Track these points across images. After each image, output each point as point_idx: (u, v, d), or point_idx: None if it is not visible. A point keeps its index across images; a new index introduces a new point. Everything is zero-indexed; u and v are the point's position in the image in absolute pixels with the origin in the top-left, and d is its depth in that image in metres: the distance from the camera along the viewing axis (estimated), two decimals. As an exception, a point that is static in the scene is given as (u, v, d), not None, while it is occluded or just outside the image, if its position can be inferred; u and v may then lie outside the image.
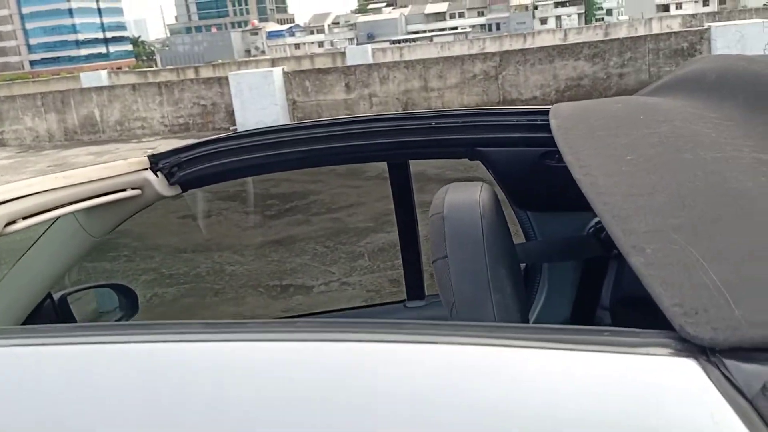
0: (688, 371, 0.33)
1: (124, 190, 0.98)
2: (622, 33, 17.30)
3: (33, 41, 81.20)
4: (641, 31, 17.55)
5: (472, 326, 0.42)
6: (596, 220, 1.01)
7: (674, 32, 8.19)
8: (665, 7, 62.96)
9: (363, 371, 0.38)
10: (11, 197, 0.79)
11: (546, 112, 0.89)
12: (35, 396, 0.40)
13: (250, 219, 4.57)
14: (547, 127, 0.86)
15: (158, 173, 1.04)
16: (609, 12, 77.73)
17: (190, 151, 1.05)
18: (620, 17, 63.86)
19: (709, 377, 0.33)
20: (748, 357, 0.33)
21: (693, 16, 19.17)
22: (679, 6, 61.60)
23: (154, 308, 3.21)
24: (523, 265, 1.14)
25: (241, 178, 1.13)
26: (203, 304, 3.22)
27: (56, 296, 1.13)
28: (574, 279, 1.12)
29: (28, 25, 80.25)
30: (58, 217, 0.91)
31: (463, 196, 0.70)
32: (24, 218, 0.79)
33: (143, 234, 4.13)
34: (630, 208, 0.47)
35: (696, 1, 61.83)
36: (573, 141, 0.68)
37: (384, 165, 1.19)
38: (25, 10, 79.42)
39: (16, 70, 69.59)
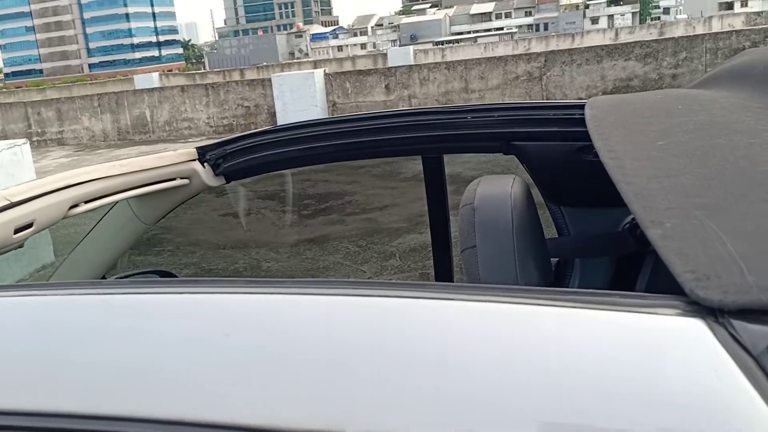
0: (695, 330, 0.34)
1: (173, 179, 1.04)
2: (679, 32, 16.54)
3: (92, 45, 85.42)
4: (699, 30, 16.67)
5: (494, 288, 0.44)
6: (632, 215, 0.97)
7: (735, 31, 7.76)
8: (729, 5, 58.59)
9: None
10: (74, 182, 0.85)
11: (582, 106, 0.89)
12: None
13: (287, 218, 4.70)
14: (584, 121, 0.86)
15: (205, 164, 1.09)
16: (666, 10, 73.74)
17: (234, 144, 1.09)
18: (678, 16, 60.61)
19: (716, 336, 0.33)
20: (757, 319, 0.33)
21: (758, 14, 17.90)
22: (744, 3, 56.88)
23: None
24: (554, 260, 1.13)
25: (281, 170, 1.16)
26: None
27: (110, 280, 1.19)
28: (607, 276, 1.09)
29: (89, 30, 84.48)
30: (114, 203, 0.99)
31: (494, 187, 0.70)
32: (85, 202, 0.87)
33: (186, 230, 4.33)
34: (653, 188, 0.47)
35: (764, -1, 58.30)
36: (604, 129, 0.68)
37: (421, 167, 1.20)
38: (86, 15, 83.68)
39: (76, 73, 73.49)
